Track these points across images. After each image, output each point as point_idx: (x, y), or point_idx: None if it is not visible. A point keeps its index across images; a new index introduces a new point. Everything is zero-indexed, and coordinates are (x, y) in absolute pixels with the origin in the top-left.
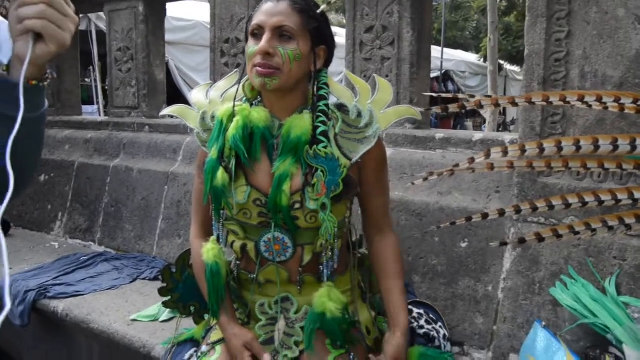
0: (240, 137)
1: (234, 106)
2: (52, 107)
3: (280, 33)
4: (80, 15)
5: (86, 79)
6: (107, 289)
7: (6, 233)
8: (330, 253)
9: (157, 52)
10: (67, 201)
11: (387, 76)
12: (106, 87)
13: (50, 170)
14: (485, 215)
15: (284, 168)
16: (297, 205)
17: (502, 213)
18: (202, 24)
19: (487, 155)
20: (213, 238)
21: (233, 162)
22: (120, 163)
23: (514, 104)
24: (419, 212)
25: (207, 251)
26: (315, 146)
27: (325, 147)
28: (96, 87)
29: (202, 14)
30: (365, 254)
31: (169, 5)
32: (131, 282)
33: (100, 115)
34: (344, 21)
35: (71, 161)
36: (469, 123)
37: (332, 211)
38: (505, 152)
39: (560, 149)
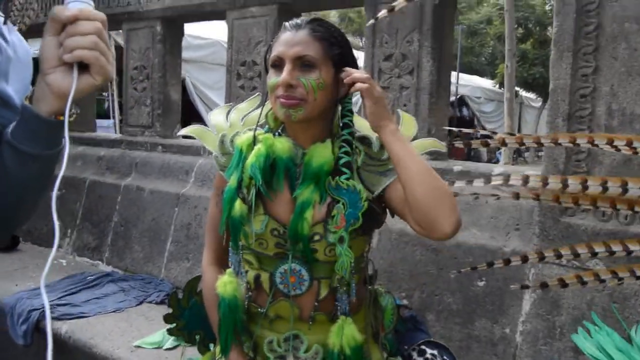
0: (260, 166)
1: (254, 135)
2: (75, 115)
3: (302, 63)
4: None
5: (103, 93)
6: (112, 311)
7: (15, 247)
8: (346, 288)
9: (173, 72)
10: (77, 218)
11: (405, 105)
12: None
13: (61, 186)
14: (507, 262)
15: (306, 195)
16: (317, 237)
17: (524, 260)
18: (219, 43)
19: (507, 181)
20: (230, 271)
21: (253, 192)
22: (131, 182)
23: (539, 144)
24: (434, 247)
25: (224, 284)
26: (337, 177)
27: (347, 179)
28: (113, 101)
29: (220, 32)
30: (379, 290)
31: (187, 24)
32: (137, 304)
33: (116, 130)
34: (360, 44)
35: (82, 178)
36: (483, 149)
37: (351, 245)
38: (525, 181)
39: (585, 187)
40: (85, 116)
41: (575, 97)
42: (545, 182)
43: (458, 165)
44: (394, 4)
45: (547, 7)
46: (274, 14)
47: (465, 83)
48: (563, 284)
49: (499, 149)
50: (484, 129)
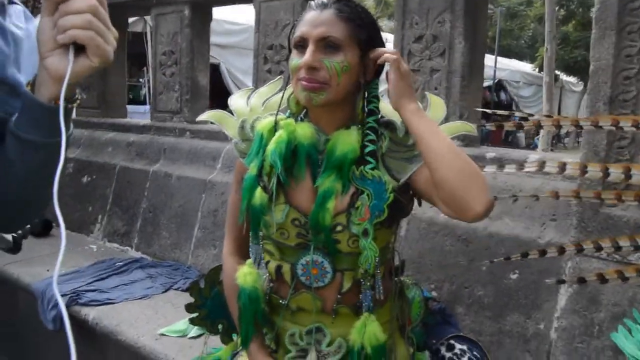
0: (280, 153)
1: (276, 119)
2: (96, 108)
3: (326, 44)
4: (136, 18)
5: (140, 79)
6: (139, 298)
7: (48, 233)
8: (371, 281)
9: (201, 57)
10: (108, 204)
11: (436, 89)
12: None
13: (93, 172)
14: (542, 252)
15: (328, 184)
16: (340, 228)
17: (561, 251)
18: (250, 28)
19: (541, 167)
20: (250, 261)
21: (274, 181)
22: (160, 168)
23: (578, 126)
24: (465, 238)
25: (244, 275)
26: (362, 167)
27: (373, 169)
28: (149, 87)
29: (252, 17)
30: (406, 282)
31: (222, 10)
32: (164, 292)
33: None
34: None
35: (113, 164)
36: (521, 134)
37: (375, 237)
38: (562, 169)
39: (628, 176)
40: (116, 102)
41: (619, 79)
42: (584, 170)
43: (491, 152)
44: None
45: None
46: None
47: (504, 67)
48: (602, 279)
49: (537, 134)
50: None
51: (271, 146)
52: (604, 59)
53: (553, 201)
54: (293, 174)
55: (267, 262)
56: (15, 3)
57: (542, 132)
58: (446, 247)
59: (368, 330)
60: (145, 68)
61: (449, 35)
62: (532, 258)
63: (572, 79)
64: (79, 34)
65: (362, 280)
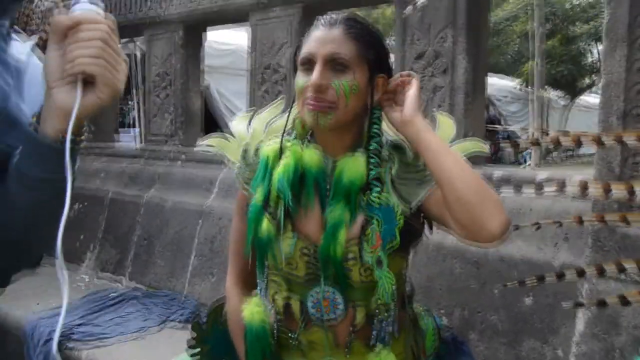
0: (289, 181)
1: (281, 143)
2: (87, 133)
3: (334, 63)
4: (124, 41)
5: (129, 103)
6: (134, 332)
7: (38, 264)
8: (386, 314)
9: (195, 80)
10: (99, 233)
11: (439, 106)
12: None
13: (84, 200)
14: (560, 275)
15: (338, 214)
16: (351, 258)
17: (581, 274)
18: (242, 50)
19: (561, 188)
20: (257, 296)
21: (281, 210)
22: (153, 194)
23: (578, 142)
24: (475, 260)
25: (251, 312)
26: (368, 193)
27: (379, 193)
28: (138, 110)
29: (242, 39)
30: (418, 310)
31: (211, 31)
32: (160, 324)
33: (141, 139)
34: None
35: (104, 191)
36: (509, 150)
37: (389, 265)
38: (584, 188)
39: None
40: (107, 126)
41: (631, 93)
42: (607, 189)
43: (498, 171)
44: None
45: (573, 3)
46: (299, 14)
47: (491, 83)
48: (624, 301)
49: (525, 149)
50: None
51: (278, 173)
52: (615, 72)
53: (564, 219)
54: (301, 202)
55: (274, 295)
56: (17, 32)
57: (533, 148)
58: (456, 270)
59: None
60: (133, 91)
61: (452, 52)
62: (547, 281)
63: (557, 94)
64: (89, 64)
65: (377, 312)
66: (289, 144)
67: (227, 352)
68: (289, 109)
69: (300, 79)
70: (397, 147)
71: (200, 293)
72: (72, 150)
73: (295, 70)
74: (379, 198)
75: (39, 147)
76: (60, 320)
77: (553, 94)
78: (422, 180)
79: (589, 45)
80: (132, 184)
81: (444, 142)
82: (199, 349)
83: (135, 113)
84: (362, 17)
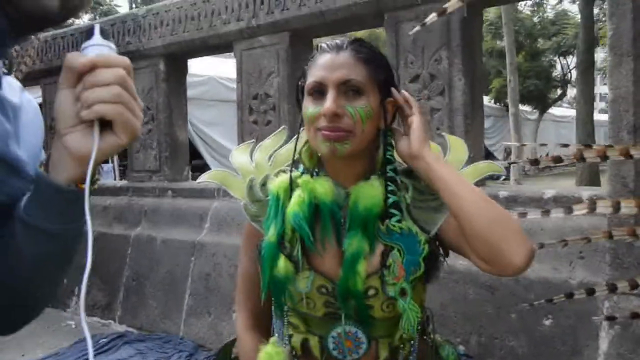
0: (305, 217)
1: (290, 177)
2: (98, 177)
3: (347, 88)
4: None
5: None
6: None
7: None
8: (409, 348)
9: (179, 112)
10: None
11: (438, 129)
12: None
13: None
14: (569, 296)
15: (356, 246)
16: (372, 292)
17: (590, 292)
18: (214, 79)
19: (592, 209)
20: (274, 340)
21: (298, 248)
22: (141, 232)
23: (629, 155)
24: (489, 285)
25: (270, 357)
26: (387, 221)
27: (399, 221)
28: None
29: (214, 69)
30: (437, 340)
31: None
32: None
33: (115, 175)
34: None
35: (92, 231)
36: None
37: (412, 297)
38: (592, 209)
39: None
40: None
41: None
42: (617, 207)
43: (504, 191)
44: (427, 20)
45: (536, 20)
46: (286, 41)
47: None
48: None
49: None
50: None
51: (292, 209)
52: (623, 86)
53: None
54: (317, 237)
55: (291, 336)
56: (8, 74)
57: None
58: (470, 296)
59: None
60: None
61: (448, 73)
62: (566, 301)
63: (527, 108)
64: (106, 109)
65: (402, 345)
66: (298, 177)
67: None
68: (294, 140)
69: (310, 107)
70: (408, 173)
71: (197, 333)
72: (82, 198)
73: (298, 99)
74: (400, 225)
75: (49, 195)
76: None
77: (522, 109)
78: (438, 206)
79: (553, 60)
80: (118, 222)
81: (457, 173)
82: None
83: None
84: (367, 41)
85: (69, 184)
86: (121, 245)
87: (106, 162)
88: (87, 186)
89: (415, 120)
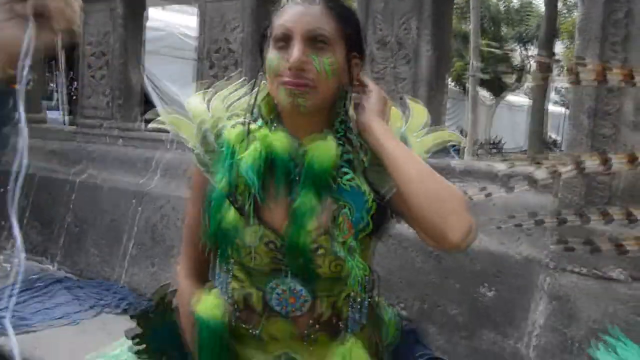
0: (258, 170)
1: (247, 127)
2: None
3: (314, 40)
4: None
5: (50, 83)
6: (65, 324)
7: None
8: (358, 306)
9: (135, 58)
10: (24, 217)
11: (401, 99)
12: (71, 94)
13: (4, 179)
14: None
15: (307, 201)
16: (322, 251)
17: (539, 223)
18: (174, 35)
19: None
20: (216, 290)
21: (251, 201)
22: (87, 179)
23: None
24: (437, 254)
25: (206, 305)
26: (339, 179)
27: (350, 180)
28: (62, 92)
29: (175, 23)
30: (380, 302)
31: None
32: (94, 316)
33: (64, 122)
34: None
35: (31, 173)
36: None
37: (360, 255)
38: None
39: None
40: (33, 99)
41: (602, 92)
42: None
43: (459, 164)
44: None
45: (502, 7)
46: None
47: None
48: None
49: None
50: None
51: (246, 160)
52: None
53: (526, 215)
54: (270, 192)
55: (233, 289)
56: None
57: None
58: (417, 264)
59: (354, 356)
60: (56, 72)
61: (415, 42)
62: (507, 275)
63: (485, 93)
64: (44, 4)
65: (351, 303)
66: (255, 127)
67: (174, 344)
68: (255, 89)
69: (274, 57)
70: None
71: (139, 283)
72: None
73: (261, 49)
74: (350, 183)
75: None
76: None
77: (481, 93)
78: None
79: (515, 47)
80: (64, 166)
81: (405, 148)
82: (144, 345)
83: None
84: None
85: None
86: (65, 190)
87: (56, 109)
88: (24, 75)
89: (374, 94)
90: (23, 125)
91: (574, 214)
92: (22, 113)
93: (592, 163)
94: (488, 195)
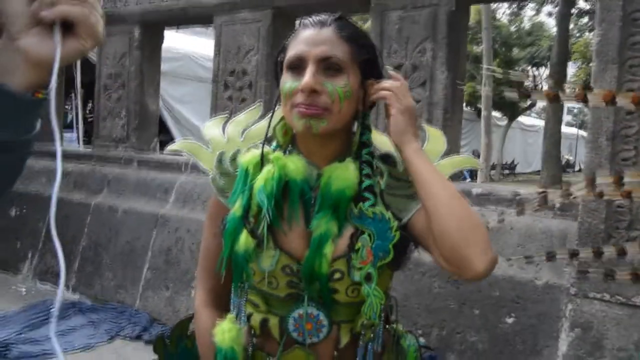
0: (271, 192)
1: (262, 152)
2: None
3: (327, 66)
4: None
5: (66, 106)
6: (80, 349)
7: None
8: (372, 334)
9: (152, 81)
10: (40, 240)
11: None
12: (87, 116)
13: (23, 203)
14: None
15: (324, 226)
16: (338, 275)
17: (573, 254)
18: (189, 57)
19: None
20: (231, 316)
21: (264, 224)
22: (103, 201)
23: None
24: (455, 280)
25: (223, 332)
26: (360, 204)
27: (372, 205)
28: (77, 114)
29: (190, 45)
30: (399, 329)
31: None
32: (109, 339)
33: (79, 143)
34: None
35: (47, 196)
36: None
37: (378, 282)
38: (568, 194)
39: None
40: (48, 127)
41: (621, 114)
42: (596, 188)
43: (477, 188)
44: None
45: (512, 29)
46: (268, 19)
47: None
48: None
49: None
50: None
51: (259, 183)
52: None
53: (547, 239)
54: (284, 215)
55: (250, 315)
56: None
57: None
58: (434, 289)
59: None
60: (73, 93)
61: (430, 66)
62: (529, 300)
63: (497, 114)
64: (71, 10)
65: (362, 332)
66: (269, 151)
67: None
68: (270, 115)
69: (288, 82)
70: (385, 159)
71: (153, 308)
72: (42, 106)
73: (276, 74)
74: (372, 210)
75: (4, 104)
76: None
77: (493, 114)
78: (412, 194)
79: (526, 70)
80: (79, 189)
81: (434, 168)
82: None
83: (74, 114)
84: (351, 19)
85: (24, 91)
86: (80, 212)
87: (70, 129)
88: (53, 87)
89: (393, 111)
90: (57, 141)
91: (591, 248)
92: (55, 124)
93: (607, 187)
94: (501, 220)
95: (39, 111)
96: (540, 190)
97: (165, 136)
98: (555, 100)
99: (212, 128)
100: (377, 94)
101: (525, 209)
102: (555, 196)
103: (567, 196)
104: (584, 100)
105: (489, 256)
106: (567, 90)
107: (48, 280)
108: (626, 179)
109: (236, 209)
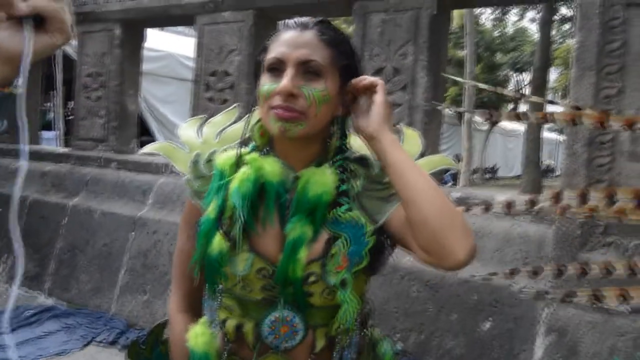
0: (246, 193)
1: (238, 154)
2: (6, 133)
3: (306, 69)
4: None
5: (46, 103)
6: (54, 355)
7: None
8: (348, 340)
9: (132, 81)
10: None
11: (396, 124)
12: (67, 114)
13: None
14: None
15: (299, 230)
16: (313, 278)
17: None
18: (172, 56)
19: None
20: (204, 320)
21: (239, 226)
22: (80, 202)
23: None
24: (433, 284)
25: (196, 336)
26: (335, 209)
27: (348, 210)
28: (58, 112)
29: (174, 45)
30: (375, 335)
31: None
32: (84, 345)
33: (59, 143)
34: None
35: (23, 196)
36: None
37: (353, 287)
38: (557, 199)
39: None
40: (28, 126)
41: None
42: (583, 195)
43: (456, 192)
44: None
45: (496, 34)
46: (250, 20)
47: None
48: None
49: (447, 171)
50: None
51: (234, 185)
52: (582, 99)
53: (525, 244)
54: (259, 217)
55: (224, 320)
56: None
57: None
58: (412, 293)
59: None
60: (53, 91)
61: (412, 69)
62: (506, 305)
63: (478, 119)
64: (45, 6)
65: (337, 337)
66: (246, 153)
67: None
68: (247, 116)
69: (266, 84)
70: (361, 161)
71: (130, 312)
72: (12, 101)
73: (256, 75)
74: (349, 214)
75: None
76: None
77: (474, 119)
78: (387, 197)
79: (509, 75)
80: (56, 190)
81: (411, 159)
82: None
83: (53, 114)
84: (333, 23)
85: None
86: (57, 214)
87: (49, 129)
88: (23, 83)
89: (379, 99)
90: (25, 137)
91: (575, 264)
92: (24, 119)
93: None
94: (487, 209)
95: (5, 105)
96: (506, 200)
97: (147, 137)
98: (521, 119)
99: (187, 129)
100: (366, 80)
101: (489, 210)
102: (520, 204)
103: (532, 206)
104: (548, 121)
105: (470, 242)
106: (531, 116)
107: (22, 284)
108: (592, 194)
109: (210, 210)
